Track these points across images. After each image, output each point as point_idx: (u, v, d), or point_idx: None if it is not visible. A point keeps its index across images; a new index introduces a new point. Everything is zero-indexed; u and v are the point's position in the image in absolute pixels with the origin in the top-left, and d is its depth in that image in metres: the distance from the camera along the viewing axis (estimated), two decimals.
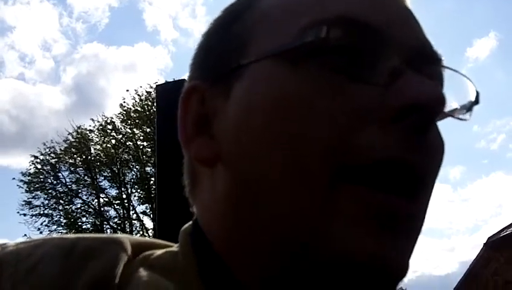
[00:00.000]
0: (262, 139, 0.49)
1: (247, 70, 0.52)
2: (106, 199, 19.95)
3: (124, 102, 19.78)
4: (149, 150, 18.92)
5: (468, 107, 0.53)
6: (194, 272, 0.51)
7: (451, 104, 0.52)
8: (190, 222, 0.58)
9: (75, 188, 19.97)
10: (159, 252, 0.56)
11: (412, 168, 0.46)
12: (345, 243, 0.45)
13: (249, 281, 0.50)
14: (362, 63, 0.48)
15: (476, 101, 0.53)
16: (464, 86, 0.54)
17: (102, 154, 19.86)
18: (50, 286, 0.47)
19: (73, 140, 19.93)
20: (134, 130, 19.64)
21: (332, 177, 0.45)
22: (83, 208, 19.85)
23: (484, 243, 14.04)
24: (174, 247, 0.57)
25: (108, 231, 18.81)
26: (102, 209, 19.85)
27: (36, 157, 19.66)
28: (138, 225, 19.46)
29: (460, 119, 0.53)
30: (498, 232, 13.89)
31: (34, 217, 19.22)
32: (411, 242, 0.48)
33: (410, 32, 0.52)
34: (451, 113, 0.53)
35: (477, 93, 0.53)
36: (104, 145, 19.98)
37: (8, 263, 0.49)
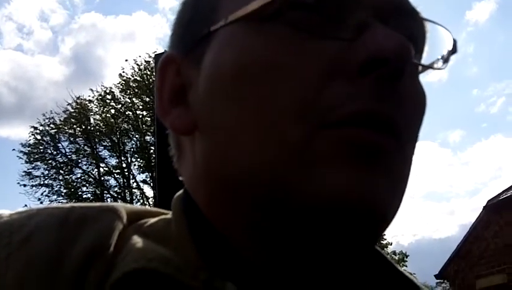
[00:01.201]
0: (232, 105, 0.49)
1: (216, 36, 0.52)
2: (106, 169, 20.06)
3: (123, 72, 19.80)
4: (148, 119, 18.96)
5: (446, 57, 0.53)
6: (186, 237, 0.51)
7: (430, 55, 0.53)
8: (182, 190, 0.58)
9: (75, 158, 20.05)
10: (153, 220, 0.56)
11: (385, 118, 0.45)
12: (322, 182, 0.44)
13: (238, 240, 0.50)
14: (327, 19, 0.47)
15: (454, 50, 0.53)
16: (442, 36, 0.53)
17: (101, 124, 19.91)
18: (45, 255, 0.47)
19: (72, 110, 19.94)
20: (134, 99, 19.67)
21: (306, 135, 0.45)
22: (83, 177, 19.97)
23: (484, 206, 14.13)
24: (169, 215, 0.57)
25: (108, 200, 18.97)
26: (102, 178, 19.97)
27: (36, 128, 19.75)
28: (138, 193, 19.65)
29: (438, 69, 0.54)
30: (498, 195, 13.96)
31: (34, 188, 19.40)
32: (395, 183, 0.47)
33: None
34: (431, 65, 0.53)
35: (455, 41, 0.53)
36: (104, 115, 20.02)
37: (2, 233, 0.48)
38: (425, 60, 0.54)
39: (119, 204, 0.56)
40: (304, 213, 0.45)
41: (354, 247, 0.47)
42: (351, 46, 0.46)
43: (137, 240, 0.50)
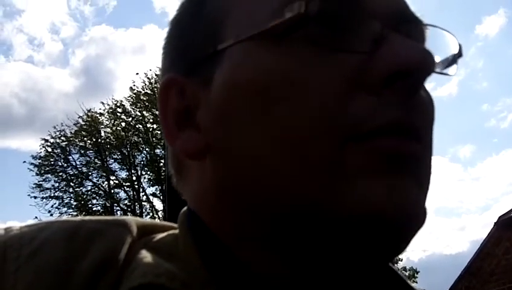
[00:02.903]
0: (253, 125, 0.48)
1: (226, 55, 0.51)
2: (116, 181, 20.02)
3: (134, 85, 19.86)
4: (159, 132, 18.95)
5: (451, 61, 0.53)
6: (193, 253, 0.51)
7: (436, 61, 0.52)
8: (186, 207, 0.57)
9: (85, 170, 20.04)
10: (162, 234, 0.56)
11: (410, 126, 0.46)
12: (361, 193, 0.44)
13: (249, 256, 0.49)
14: (343, 32, 0.47)
15: (460, 54, 0.53)
16: (447, 41, 0.54)
17: (112, 137, 19.92)
18: (54, 269, 0.47)
19: (83, 123, 19.99)
20: (144, 112, 19.70)
21: (338, 146, 0.45)
22: (93, 190, 19.94)
23: (495, 222, 13.99)
24: (177, 229, 0.56)
25: (118, 212, 18.94)
26: (112, 191, 19.93)
27: (47, 140, 19.78)
28: (148, 206, 19.56)
29: (447, 74, 0.53)
30: (509, 211, 13.83)
31: (44, 200, 19.34)
32: (424, 188, 0.48)
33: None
34: (438, 71, 0.53)
35: (460, 46, 0.53)
36: (114, 128, 20.05)
37: (12, 246, 0.49)
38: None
39: (130, 218, 0.55)
40: (339, 226, 0.45)
41: (385, 257, 0.48)
42: (371, 59, 0.46)
43: (146, 255, 0.50)
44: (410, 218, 0.45)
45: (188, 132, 0.54)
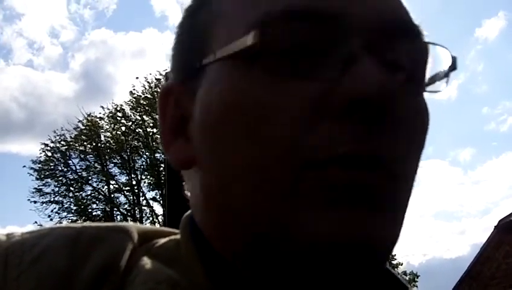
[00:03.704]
0: (221, 146, 0.48)
1: (207, 71, 0.51)
2: (116, 186, 20.03)
3: (134, 89, 19.83)
4: (158, 136, 18.77)
5: (446, 74, 0.52)
6: (194, 259, 0.51)
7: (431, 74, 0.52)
8: (190, 211, 0.57)
9: (85, 175, 20.04)
10: (163, 240, 0.56)
11: (368, 156, 0.44)
12: (310, 228, 0.43)
13: (239, 265, 0.49)
14: (313, 54, 0.46)
15: (453, 67, 0.52)
16: (440, 55, 0.52)
17: (112, 142, 19.92)
18: (56, 276, 0.47)
19: (83, 127, 19.98)
20: (144, 117, 19.67)
21: (294, 174, 0.44)
22: (93, 194, 19.93)
23: (495, 226, 13.97)
24: (179, 235, 0.56)
25: (118, 217, 18.94)
26: (112, 195, 19.94)
27: (46, 145, 19.78)
28: (148, 211, 19.54)
29: (435, 92, 0.52)
30: (509, 214, 13.80)
31: (44, 204, 19.34)
32: (390, 214, 0.46)
33: (375, 7, 0.48)
34: (431, 85, 0.51)
35: (454, 58, 0.52)
36: (114, 132, 20.05)
37: (14, 253, 0.49)
38: (428, 79, 0.52)
39: (130, 224, 0.55)
40: (298, 254, 0.44)
41: (351, 280, 0.46)
42: (336, 85, 0.44)
43: (147, 262, 0.50)
44: (363, 248, 0.43)
45: (180, 140, 0.54)
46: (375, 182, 0.44)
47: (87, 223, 0.53)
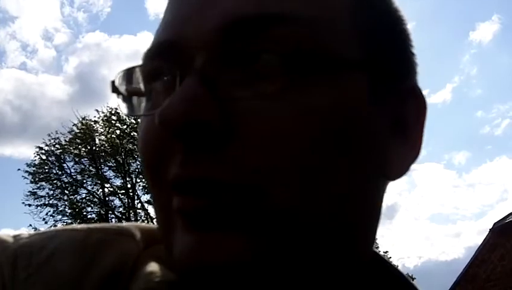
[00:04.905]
0: None
1: None
2: (111, 189, 20.04)
3: None
4: None
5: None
6: None
7: None
8: None
9: (80, 178, 20.07)
10: None
11: (191, 181, 0.42)
12: (173, 247, 0.45)
13: None
14: (160, 87, 0.48)
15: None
16: None
17: (107, 145, 19.93)
18: (65, 277, 0.48)
19: (78, 131, 19.99)
20: (139, 120, 19.63)
21: (167, 196, 0.45)
22: (87, 198, 19.93)
23: (490, 229, 14.03)
24: None
25: (113, 220, 18.92)
26: (107, 199, 19.95)
27: (41, 148, 19.77)
28: (143, 214, 19.55)
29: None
30: (504, 217, 13.87)
31: (39, 207, 19.34)
32: (230, 236, 0.42)
33: (212, 13, 0.45)
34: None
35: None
36: (109, 135, 20.04)
37: (22, 255, 0.49)
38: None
39: (136, 225, 0.56)
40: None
41: None
42: None
43: (151, 265, 0.50)
44: (210, 270, 0.42)
45: None
46: (210, 208, 0.42)
47: (93, 225, 0.54)
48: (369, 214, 0.49)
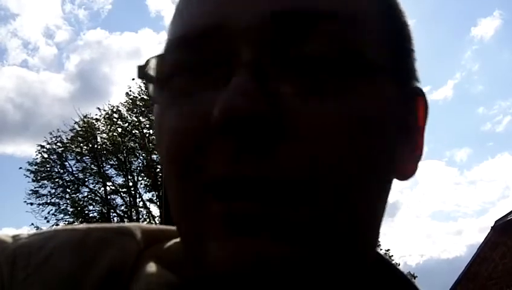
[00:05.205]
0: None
1: None
2: (113, 187, 20.09)
3: (130, 90, 19.88)
4: (155, 137, 18.94)
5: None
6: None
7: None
8: None
9: (81, 176, 20.11)
10: (169, 243, 0.55)
11: (240, 182, 0.41)
12: (207, 254, 0.42)
13: None
14: (200, 77, 0.45)
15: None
16: None
17: (108, 143, 19.98)
18: (63, 277, 0.47)
19: (79, 129, 20.02)
20: (140, 118, 19.76)
21: (198, 196, 0.43)
22: (89, 196, 20.00)
23: (492, 227, 14.03)
24: None
25: (115, 219, 18.99)
26: (108, 197, 19.98)
27: (43, 146, 19.84)
28: (145, 212, 19.62)
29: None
30: (506, 215, 13.86)
31: (41, 206, 19.43)
32: (288, 237, 0.41)
33: (256, 3, 0.44)
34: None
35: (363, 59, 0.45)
36: (111, 133, 20.10)
37: (20, 255, 0.49)
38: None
39: (136, 225, 0.55)
40: (210, 278, 0.43)
41: None
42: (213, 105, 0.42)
43: (151, 266, 0.50)
44: (252, 277, 0.41)
45: None
46: (260, 210, 0.41)
47: (94, 225, 0.53)
48: (382, 215, 0.49)
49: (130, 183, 19.87)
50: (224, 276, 0.41)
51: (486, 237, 14.31)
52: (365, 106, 0.43)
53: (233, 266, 0.41)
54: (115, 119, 20.14)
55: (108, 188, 20.05)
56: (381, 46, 0.47)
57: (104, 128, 20.37)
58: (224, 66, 0.43)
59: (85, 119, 20.14)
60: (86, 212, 19.53)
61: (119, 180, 20.17)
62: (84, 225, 0.53)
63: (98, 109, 20.58)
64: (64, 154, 19.99)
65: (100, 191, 20.04)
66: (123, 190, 19.88)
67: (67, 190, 19.90)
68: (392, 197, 0.49)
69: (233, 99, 0.39)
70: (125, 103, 20.01)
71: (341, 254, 0.44)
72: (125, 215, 19.22)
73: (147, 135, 19.51)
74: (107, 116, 20.17)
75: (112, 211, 19.64)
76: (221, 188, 0.41)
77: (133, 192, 19.76)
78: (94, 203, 19.92)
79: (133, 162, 20.09)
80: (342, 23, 0.44)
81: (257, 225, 0.41)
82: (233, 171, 0.40)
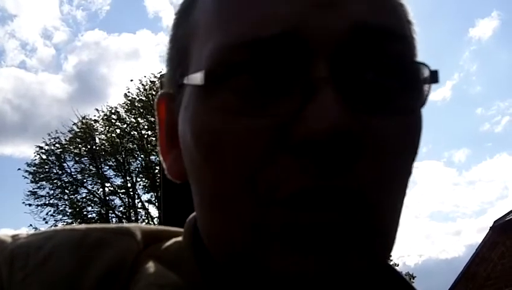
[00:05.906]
0: (196, 169, 0.48)
1: (186, 90, 0.50)
2: (111, 188, 19.99)
3: (128, 91, 19.85)
4: (153, 139, 18.96)
5: (427, 91, 0.48)
6: (194, 265, 0.51)
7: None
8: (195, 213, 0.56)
9: (80, 177, 20.00)
10: (168, 243, 0.55)
11: (325, 194, 0.41)
12: (276, 263, 0.42)
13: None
14: (268, 89, 0.43)
15: (434, 80, 0.47)
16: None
17: (107, 144, 19.89)
18: (62, 277, 0.47)
19: (78, 130, 19.96)
20: (139, 119, 19.69)
21: (259, 208, 0.43)
22: (88, 197, 19.88)
23: (490, 227, 14.01)
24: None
25: (113, 220, 18.92)
26: (107, 198, 19.89)
27: (41, 147, 19.74)
28: (143, 213, 19.53)
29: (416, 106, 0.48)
30: (504, 215, 13.85)
31: (39, 207, 19.30)
32: (362, 247, 0.43)
33: (343, 13, 0.44)
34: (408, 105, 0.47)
35: (433, 72, 0.47)
36: (109, 134, 20.02)
37: (19, 256, 0.49)
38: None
39: (135, 225, 0.55)
40: (269, 284, 0.43)
41: None
42: (293, 120, 0.42)
43: (151, 265, 0.50)
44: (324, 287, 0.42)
45: (174, 152, 0.54)
46: (341, 220, 0.42)
47: (93, 225, 0.53)
48: None
49: (129, 184, 19.80)
50: (290, 283, 0.42)
51: (485, 237, 14.30)
52: (418, 123, 0.47)
53: (298, 276, 0.42)
54: (113, 121, 20.08)
55: (106, 189, 19.99)
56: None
57: (102, 129, 20.33)
58: (299, 76, 0.43)
59: (83, 121, 20.08)
60: (85, 213, 19.44)
61: (118, 181, 20.12)
62: (83, 226, 0.53)
63: (97, 110, 20.65)
64: (62, 156, 19.91)
65: (99, 192, 19.99)
66: (122, 190, 19.81)
67: (66, 191, 19.81)
68: None
69: (334, 116, 0.40)
70: (124, 104, 19.96)
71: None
72: (124, 216, 19.18)
73: (146, 136, 19.47)
74: (106, 117, 20.11)
75: (111, 212, 19.57)
76: (305, 199, 0.41)
77: (131, 193, 19.68)
78: (93, 204, 19.84)
79: (132, 163, 20.02)
80: (408, 43, 0.48)
81: (331, 238, 0.42)
82: (315, 184, 0.41)
